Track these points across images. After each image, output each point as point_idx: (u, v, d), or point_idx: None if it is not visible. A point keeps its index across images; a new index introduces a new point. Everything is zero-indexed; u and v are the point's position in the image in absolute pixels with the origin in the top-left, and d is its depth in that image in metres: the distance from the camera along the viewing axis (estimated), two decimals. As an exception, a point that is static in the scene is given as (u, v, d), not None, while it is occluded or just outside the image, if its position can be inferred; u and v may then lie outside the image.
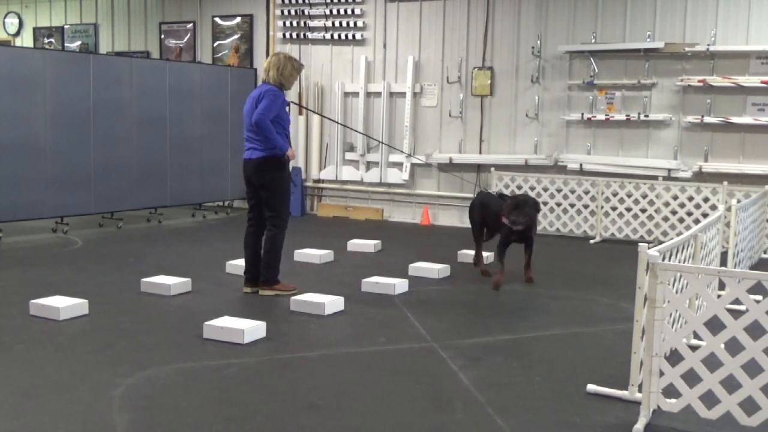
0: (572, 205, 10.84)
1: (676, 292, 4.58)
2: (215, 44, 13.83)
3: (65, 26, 15.51)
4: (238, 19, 13.58)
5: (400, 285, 7.38)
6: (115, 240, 10.12)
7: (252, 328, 5.75)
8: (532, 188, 10.97)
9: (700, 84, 10.26)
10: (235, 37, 13.63)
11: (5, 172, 9.71)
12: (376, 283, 7.39)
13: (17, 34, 16.21)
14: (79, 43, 15.30)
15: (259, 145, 6.90)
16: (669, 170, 10.47)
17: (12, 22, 16.23)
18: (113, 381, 4.84)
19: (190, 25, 14.06)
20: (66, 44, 15.39)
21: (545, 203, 10.92)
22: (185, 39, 14.14)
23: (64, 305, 6.25)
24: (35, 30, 15.99)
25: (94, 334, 5.88)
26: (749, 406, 4.04)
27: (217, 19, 13.77)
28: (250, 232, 7.17)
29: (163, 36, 14.36)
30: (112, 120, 10.86)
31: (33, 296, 6.55)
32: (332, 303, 6.58)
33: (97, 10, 15.08)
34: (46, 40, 15.76)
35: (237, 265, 7.79)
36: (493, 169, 11.30)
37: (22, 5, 16.10)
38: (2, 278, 7.72)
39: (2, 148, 9.67)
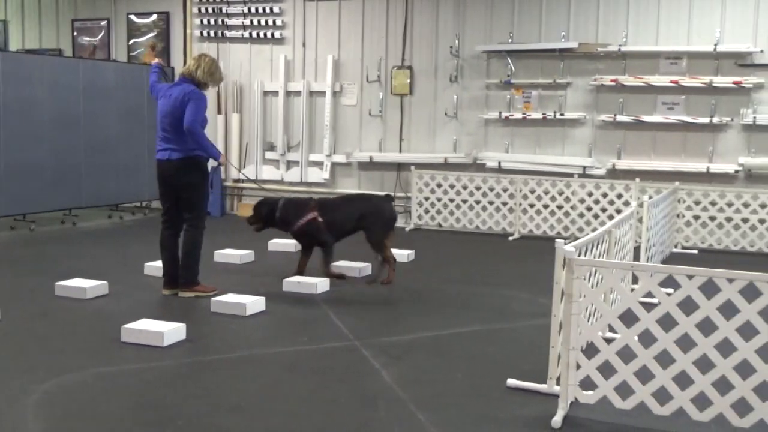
0: (491, 203, 10.99)
1: (592, 286, 4.70)
2: (131, 42, 13.55)
3: (-28, 22, 14.98)
4: (154, 16, 13.34)
5: (321, 284, 7.37)
6: (27, 243, 9.83)
7: (172, 331, 5.67)
8: (452, 186, 11.10)
9: (613, 83, 10.53)
10: (151, 35, 13.39)
11: None
12: (297, 282, 7.37)
13: None
14: (-13, 39, 14.79)
15: (179, 146, 6.77)
16: (584, 167, 10.72)
17: None
18: (27, 388, 4.71)
19: (104, 23, 13.74)
20: (-27, 41, 14.86)
21: (464, 201, 11.06)
22: (99, 36, 13.81)
23: (-26, 311, 6.06)
24: (-60, 26, 15.40)
25: (6, 340, 5.71)
26: (662, 396, 4.18)
27: (133, 17, 13.49)
28: (168, 234, 7.04)
29: (75, 33, 13.99)
30: (23, 119, 10.53)
31: (-59, 302, 6.32)
32: (253, 303, 6.53)
33: (6, 6, 14.59)
34: (-49, 37, 15.19)
35: (155, 266, 7.65)
36: (413, 167, 11.38)
37: (-75, 0, 15.47)
38: None
39: None
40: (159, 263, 7.34)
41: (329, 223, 7.62)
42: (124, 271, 8.04)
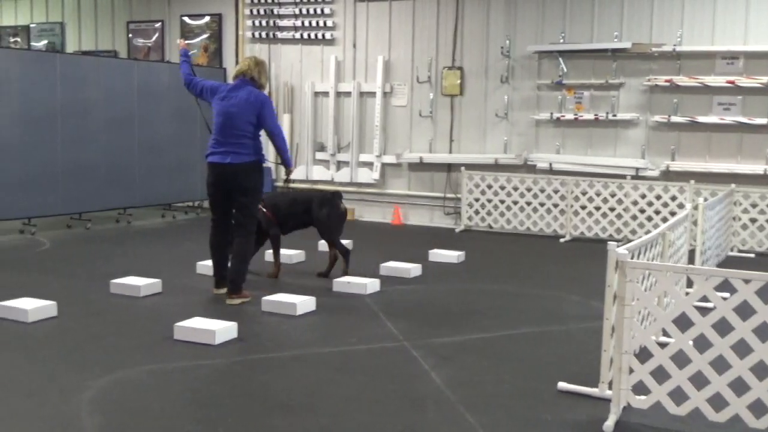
0: (542, 204, 10.91)
1: (645, 289, 4.63)
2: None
3: (31, 25, 15.32)
4: (207, 18, 13.51)
5: (371, 285, 7.38)
6: (83, 241, 10.02)
7: (223, 329, 5.73)
8: (503, 187, 11.04)
9: (667, 84, 10.37)
10: (204, 36, 13.56)
11: (-30, 172, 9.58)
12: (347, 282, 7.39)
13: (-18, 33, 15.99)
14: (45, 42, 15.12)
15: (242, 149, 6.71)
16: (637, 169, 10.58)
17: (-24, 21, 15.99)
18: (82, 384, 4.79)
19: (158, 24, 13.96)
20: (32, 43, 15.20)
21: (515, 202, 10.99)
22: (153, 38, 14.03)
23: (32, 307, 6.18)
24: (0, 29, 15.77)
25: (63, 337, 5.82)
26: (718, 402, 4.10)
27: (186, 19, 13.68)
28: (218, 236, 6.99)
29: (130, 35, 14.24)
30: (80, 120, 10.74)
31: (0, 298, 6.45)
32: (304, 303, 6.57)
33: (64, 9, 14.92)
34: (11, 39, 15.55)
35: (207, 265, 7.72)
36: (463, 168, 11.35)
37: (-14, 4, 15.89)
38: (-32, 280, 7.63)
39: (-33, 148, 9.54)
40: (210, 263, 7.40)
41: (272, 208, 7.77)
42: (177, 269, 8.15)
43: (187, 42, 7.81)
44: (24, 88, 10.07)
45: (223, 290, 7.01)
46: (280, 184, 12.94)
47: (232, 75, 7.17)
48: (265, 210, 7.70)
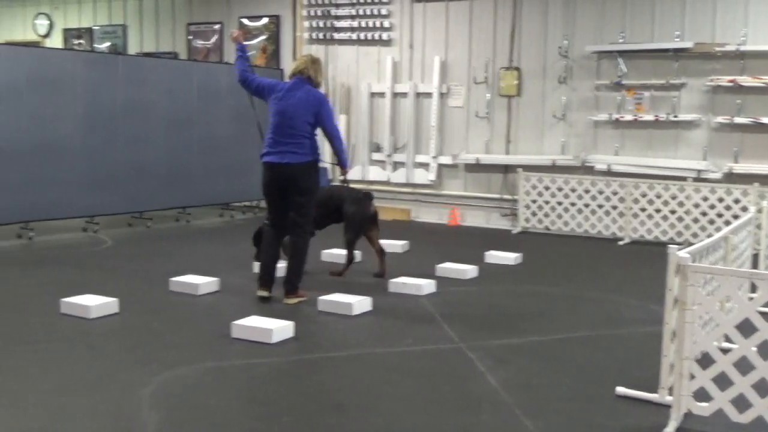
0: (600, 206, 10.76)
1: (707, 294, 4.54)
2: (243, 45, 13.87)
3: (95, 27, 15.65)
4: (265, 19, 13.64)
5: (427, 286, 7.36)
6: (144, 239, 10.19)
7: (280, 328, 5.77)
8: (560, 189, 10.92)
9: (730, 84, 10.15)
10: (263, 37, 13.69)
11: (36, 172, 9.80)
12: (403, 283, 7.38)
13: (47, 35, 16.37)
14: (108, 44, 15.43)
15: (300, 149, 6.69)
16: (698, 171, 10.37)
17: (42, 24, 16.39)
18: (143, 379, 4.88)
19: (217, 26, 14.14)
20: (95, 45, 15.53)
21: (573, 204, 10.87)
22: (212, 40, 14.22)
23: (94, 304, 6.31)
24: (65, 31, 16.15)
25: (124, 333, 5.94)
26: (782, 410, 4.00)
27: (245, 20, 13.83)
28: (273, 235, 6.96)
29: (190, 37, 14.44)
30: (141, 120, 10.94)
31: (64, 295, 6.60)
32: (360, 303, 6.59)
33: (126, 11, 15.21)
34: (75, 41, 15.91)
35: (264, 265, 7.80)
36: (520, 169, 11.26)
37: (51, 6, 16.26)
38: (34, 277, 7.81)
39: (33, 148, 9.76)
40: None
41: None
42: (234, 268, 8.23)
43: (244, 37, 7.68)
44: (87, 89, 10.29)
45: (266, 292, 6.90)
46: (336, 184, 13.01)
47: (288, 74, 7.19)
48: None
